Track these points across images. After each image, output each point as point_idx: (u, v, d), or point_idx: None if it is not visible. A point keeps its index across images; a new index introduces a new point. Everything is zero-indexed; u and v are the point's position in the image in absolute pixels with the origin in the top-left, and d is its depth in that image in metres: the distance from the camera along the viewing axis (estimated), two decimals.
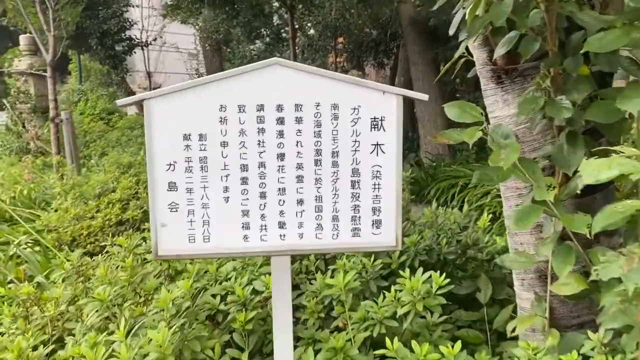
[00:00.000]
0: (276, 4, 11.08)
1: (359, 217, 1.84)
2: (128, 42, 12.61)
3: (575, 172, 1.70)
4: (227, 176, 1.78)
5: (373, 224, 1.85)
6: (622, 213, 1.29)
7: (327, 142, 1.79)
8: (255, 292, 2.41)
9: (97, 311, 2.58)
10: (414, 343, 1.85)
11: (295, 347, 2.05)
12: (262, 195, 1.80)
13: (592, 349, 1.67)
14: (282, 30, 12.01)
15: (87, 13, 10.74)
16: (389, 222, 1.85)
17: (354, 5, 9.99)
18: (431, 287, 2.07)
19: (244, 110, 1.75)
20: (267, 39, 12.01)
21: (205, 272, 2.78)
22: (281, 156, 1.78)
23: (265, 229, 1.82)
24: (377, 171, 1.82)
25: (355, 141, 1.80)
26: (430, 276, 2.12)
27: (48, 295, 2.79)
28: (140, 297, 2.66)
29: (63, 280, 3.23)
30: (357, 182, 1.82)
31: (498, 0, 1.71)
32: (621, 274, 1.29)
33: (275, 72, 1.75)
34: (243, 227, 1.81)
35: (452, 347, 1.79)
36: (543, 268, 1.94)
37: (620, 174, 1.22)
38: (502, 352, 2.16)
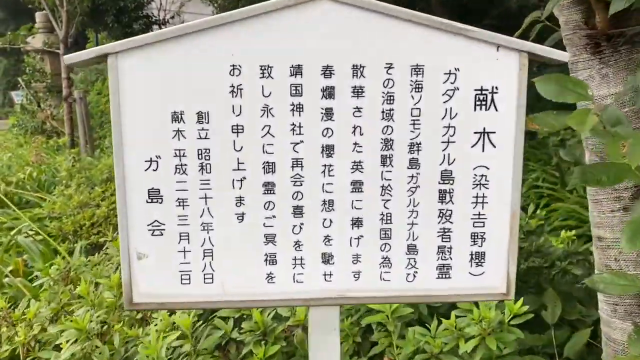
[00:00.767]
0: None
1: (450, 247, 1.16)
2: (145, 19, 12.12)
3: None
4: (242, 180, 1.11)
5: (472, 258, 1.17)
6: None
7: (403, 129, 1.10)
8: (278, 317, 1.91)
9: (76, 341, 2.01)
10: None
11: None
12: (297, 212, 1.13)
13: None
14: None
15: None
16: (497, 256, 1.17)
17: None
18: (502, 314, 1.70)
19: (269, 74, 1.07)
20: None
21: None
22: (328, 150, 1.11)
23: (302, 264, 1.15)
24: (483, 175, 1.13)
25: (449, 127, 1.11)
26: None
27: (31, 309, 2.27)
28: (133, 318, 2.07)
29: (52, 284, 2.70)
30: (449, 192, 1.13)
31: None
32: None
33: (323, 9, 1.06)
34: (267, 260, 1.14)
35: None
36: None
37: None
38: None
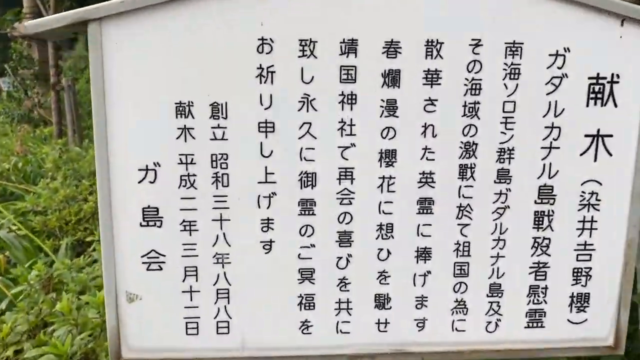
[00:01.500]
0: None
1: (545, 288, 0.88)
2: None
3: None
4: (270, 197, 0.81)
5: (573, 301, 0.88)
6: None
7: (491, 129, 0.81)
8: None
9: None
10: None
11: None
12: (344, 239, 0.84)
13: None
14: None
15: None
16: (605, 298, 0.88)
17: None
18: None
19: (311, 53, 0.77)
20: None
21: None
22: (388, 157, 0.81)
23: (348, 308, 0.86)
24: (593, 193, 0.84)
25: (552, 127, 0.82)
26: None
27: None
28: None
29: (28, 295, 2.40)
30: (548, 215, 0.85)
31: None
32: None
33: None
34: (301, 304, 0.85)
35: None
36: None
37: None
38: None
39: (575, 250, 0.87)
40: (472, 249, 0.86)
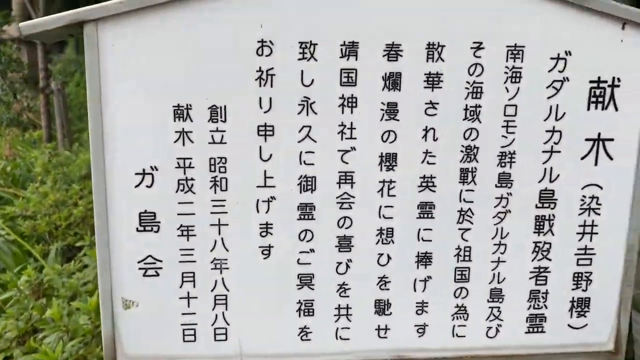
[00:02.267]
0: None
1: (545, 292, 0.87)
2: None
3: None
4: (269, 201, 0.80)
5: (573, 306, 0.88)
6: None
7: (492, 133, 0.81)
8: None
9: None
10: None
11: None
12: (344, 244, 0.82)
13: None
14: None
15: None
16: (605, 303, 0.88)
17: None
18: None
19: (312, 55, 0.77)
20: None
21: None
22: (389, 160, 0.80)
23: (348, 314, 0.84)
24: (593, 197, 0.84)
25: (553, 131, 0.82)
26: None
27: None
28: None
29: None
30: (549, 219, 0.84)
31: None
32: None
33: None
34: (300, 310, 0.84)
35: None
36: None
37: None
38: None
39: (575, 254, 0.87)
40: (473, 254, 0.85)
